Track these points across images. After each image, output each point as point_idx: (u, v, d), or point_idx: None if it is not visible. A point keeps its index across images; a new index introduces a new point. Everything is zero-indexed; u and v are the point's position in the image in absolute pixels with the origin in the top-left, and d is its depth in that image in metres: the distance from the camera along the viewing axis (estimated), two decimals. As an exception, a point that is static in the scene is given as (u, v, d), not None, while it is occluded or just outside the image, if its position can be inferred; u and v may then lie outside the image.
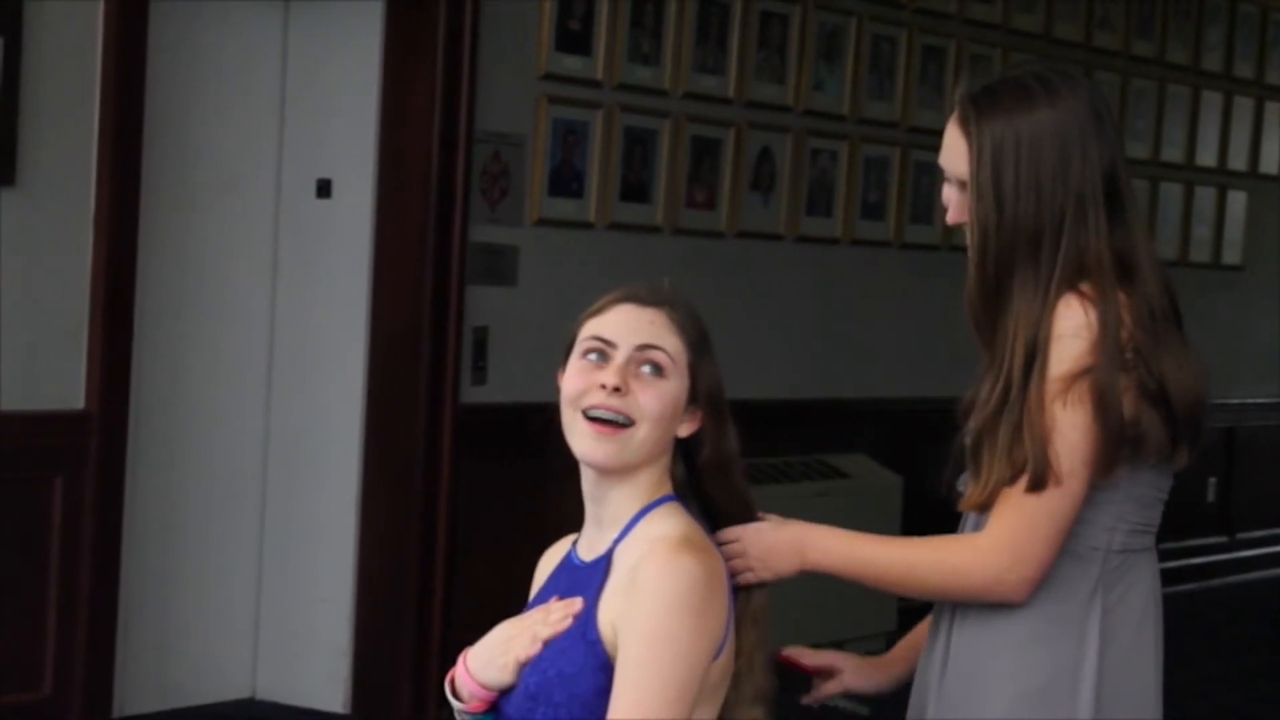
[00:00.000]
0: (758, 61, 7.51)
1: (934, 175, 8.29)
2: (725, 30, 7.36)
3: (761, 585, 2.60)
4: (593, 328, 2.54)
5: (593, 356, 2.52)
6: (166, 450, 6.18)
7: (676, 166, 7.20)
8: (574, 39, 6.78)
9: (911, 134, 8.17)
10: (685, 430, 2.54)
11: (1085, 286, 2.58)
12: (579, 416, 2.51)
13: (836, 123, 7.89)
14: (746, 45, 7.43)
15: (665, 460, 2.54)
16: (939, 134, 2.73)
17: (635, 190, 7.07)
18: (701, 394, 2.53)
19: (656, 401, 2.49)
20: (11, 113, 5.29)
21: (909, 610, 7.96)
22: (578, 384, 2.51)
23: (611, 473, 2.52)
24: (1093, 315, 2.56)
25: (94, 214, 5.53)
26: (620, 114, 6.96)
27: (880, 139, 8.07)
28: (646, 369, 2.50)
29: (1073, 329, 2.55)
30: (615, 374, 2.48)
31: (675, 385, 2.51)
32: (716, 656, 2.46)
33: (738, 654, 2.52)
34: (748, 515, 2.61)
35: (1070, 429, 2.54)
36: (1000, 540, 2.57)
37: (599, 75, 6.86)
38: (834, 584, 8.13)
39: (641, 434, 2.49)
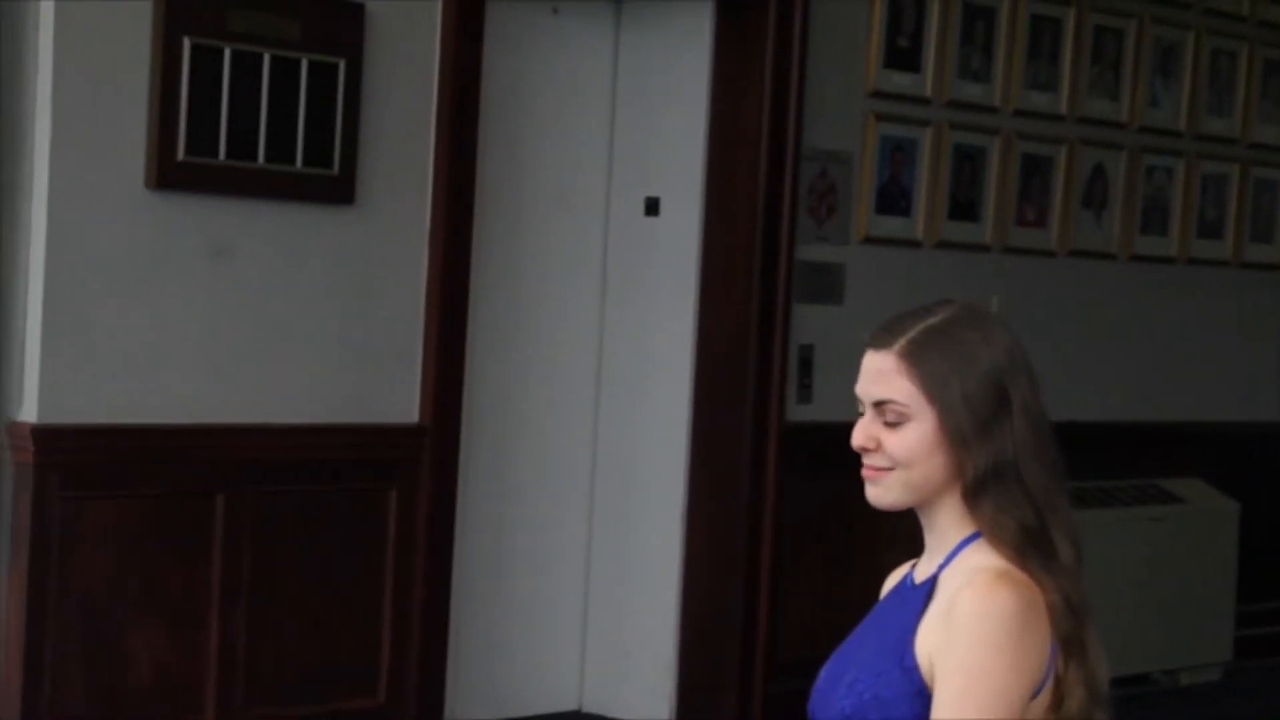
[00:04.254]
0: (1091, 77, 7.38)
1: (1275, 192, 8.07)
2: (1057, 46, 7.25)
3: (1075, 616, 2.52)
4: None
5: (860, 409, 2.55)
6: (497, 464, 6.29)
7: (1006, 184, 7.11)
8: (903, 56, 6.75)
9: (1252, 150, 7.96)
10: None
11: None
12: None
13: (1172, 139, 7.71)
14: (1080, 61, 7.31)
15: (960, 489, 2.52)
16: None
17: (964, 208, 7.00)
18: (947, 425, 2.49)
19: (900, 446, 2.48)
20: (352, 133, 5.44)
21: (1246, 640, 7.76)
22: (854, 437, 2.54)
23: (914, 507, 2.54)
24: None
25: (429, 231, 5.65)
26: (949, 131, 6.89)
27: (1218, 155, 7.88)
28: (888, 418, 2.49)
29: None
30: (862, 434, 2.50)
31: (920, 425, 2.48)
32: (1036, 694, 2.41)
33: (1060, 690, 2.46)
34: (1015, 539, 2.51)
35: None
36: None
37: (928, 92, 6.81)
38: (1163, 611, 7.87)
39: (901, 477, 2.49)
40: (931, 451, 2.48)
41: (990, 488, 2.47)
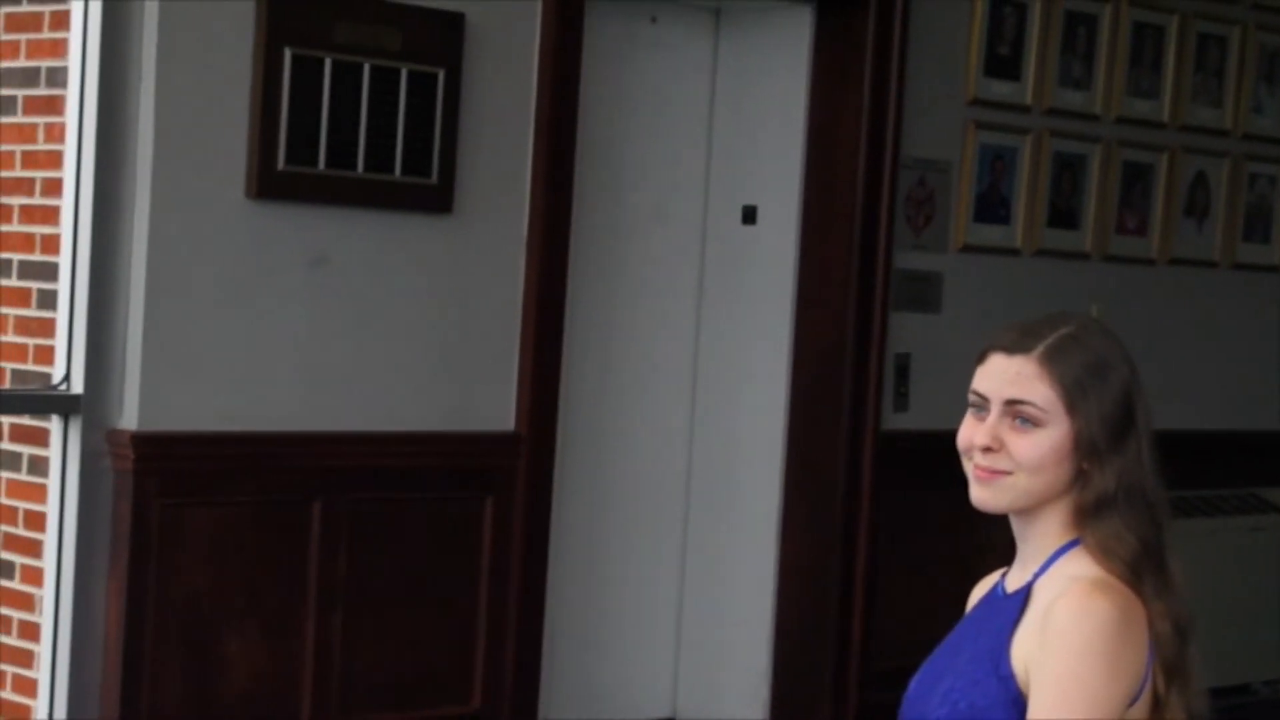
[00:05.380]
0: (1194, 84, 7.32)
1: (1380, 200, 7.98)
2: (1160, 53, 7.20)
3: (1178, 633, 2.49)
4: (975, 379, 2.54)
5: (973, 409, 2.54)
6: (592, 472, 6.30)
7: (1107, 192, 7.07)
8: (1003, 64, 6.71)
9: (1357, 158, 7.87)
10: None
11: None
12: (968, 462, 2.53)
13: (1276, 146, 7.64)
14: (1182, 68, 7.25)
15: (1072, 497, 2.49)
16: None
17: (1064, 216, 6.96)
18: (1082, 436, 2.47)
19: (1032, 451, 2.47)
20: (451, 142, 5.46)
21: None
22: (964, 437, 2.53)
23: (1012, 514, 2.52)
24: None
25: (527, 240, 5.67)
26: (1049, 139, 6.85)
27: (1323, 163, 7.80)
28: (1019, 421, 2.49)
29: None
30: (987, 434, 2.49)
31: (1054, 431, 2.47)
32: (1134, 701, 2.40)
33: (1159, 712, 2.45)
34: (1134, 557, 2.49)
35: None
36: None
37: (1028, 100, 6.78)
38: (1264, 621, 7.77)
39: (1022, 482, 2.48)
40: (1060, 460, 2.48)
41: (1119, 503, 2.48)
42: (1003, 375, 2.50)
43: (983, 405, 2.51)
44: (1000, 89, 6.72)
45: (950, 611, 2.71)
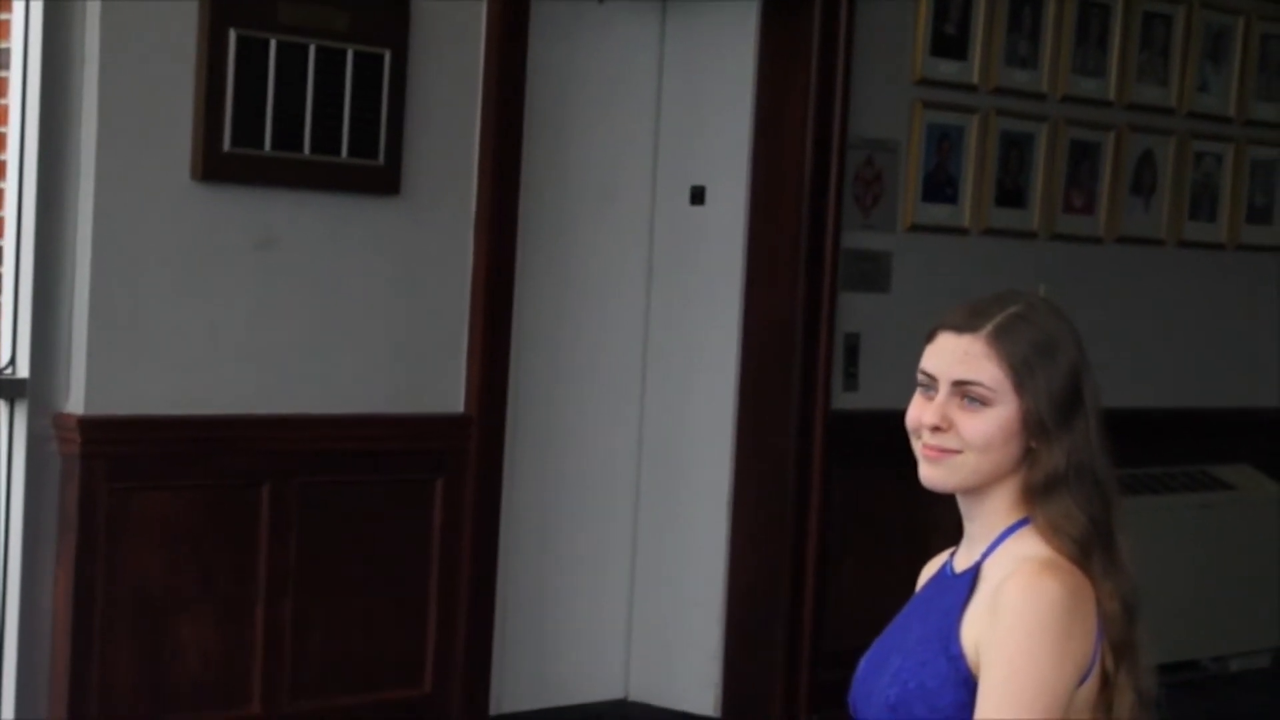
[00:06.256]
0: (1139, 63, 7.35)
1: (1325, 178, 8.03)
2: (1106, 32, 7.22)
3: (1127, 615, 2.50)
4: (924, 358, 2.53)
5: (922, 389, 2.53)
6: (543, 453, 6.30)
7: (1054, 171, 7.08)
8: (950, 43, 6.72)
9: (1302, 135, 7.91)
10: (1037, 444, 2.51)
11: None
12: (917, 442, 2.52)
13: (1222, 125, 7.67)
14: (1128, 47, 7.28)
15: (1020, 476, 2.50)
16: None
17: (1011, 195, 6.97)
18: (1030, 415, 2.47)
19: (980, 430, 2.47)
20: (397, 124, 5.44)
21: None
22: (912, 416, 2.53)
23: (961, 493, 2.52)
24: None
25: (475, 221, 5.65)
26: (996, 118, 6.87)
27: (1268, 141, 7.83)
28: (967, 400, 2.48)
29: None
30: (935, 413, 2.49)
31: (1002, 411, 2.47)
32: (1083, 681, 2.41)
33: (1109, 692, 2.45)
34: (1083, 535, 2.49)
35: None
36: None
37: (975, 79, 6.79)
38: (1213, 598, 7.83)
39: (970, 461, 2.48)
40: (1009, 439, 2.48)
41: (1068, 482, 2.47)
42: (951, 355, 2.50)
43: (931, 385, 2.51)
44: (947, 68, 6.73)
45: (901, 590, 2.71)
